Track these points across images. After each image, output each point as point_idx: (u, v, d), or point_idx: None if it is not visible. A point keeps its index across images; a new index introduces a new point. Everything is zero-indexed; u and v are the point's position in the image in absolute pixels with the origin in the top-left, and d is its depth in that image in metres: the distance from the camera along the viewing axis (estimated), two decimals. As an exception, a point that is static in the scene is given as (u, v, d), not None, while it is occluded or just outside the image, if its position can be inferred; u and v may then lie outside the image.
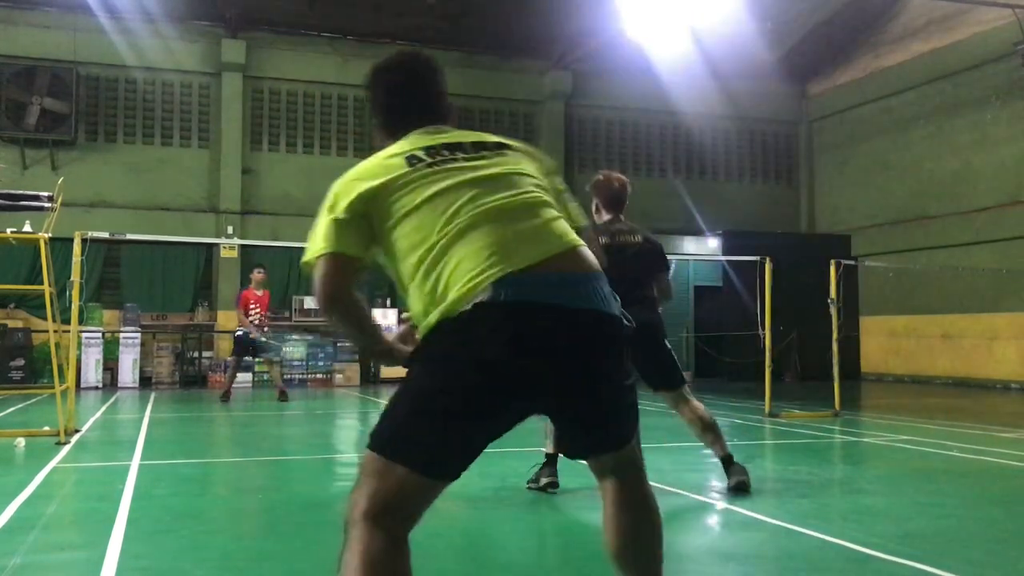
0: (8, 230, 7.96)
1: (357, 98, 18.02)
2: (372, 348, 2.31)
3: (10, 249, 14.08)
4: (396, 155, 2.24)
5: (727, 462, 5.32)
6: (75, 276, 7.90)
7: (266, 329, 12.45)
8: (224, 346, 16.75)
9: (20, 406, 11.13)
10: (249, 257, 17.02)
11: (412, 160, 2.21)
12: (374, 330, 2.29)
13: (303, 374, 16.46)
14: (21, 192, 8.51)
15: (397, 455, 2.06)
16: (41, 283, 7.94)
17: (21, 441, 7.19)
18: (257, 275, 12.46)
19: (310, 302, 17.00)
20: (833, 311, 10.00)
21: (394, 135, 2.37)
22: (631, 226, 5.43)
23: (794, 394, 13.26)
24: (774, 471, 6.57)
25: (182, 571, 3.56)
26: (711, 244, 18.99)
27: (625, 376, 2.22)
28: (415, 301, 2.12)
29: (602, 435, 2.25)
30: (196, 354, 16.10)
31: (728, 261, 17.09)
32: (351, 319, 2.23)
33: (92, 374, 15.15)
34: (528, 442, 7.95)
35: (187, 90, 17.13)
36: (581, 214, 2.43)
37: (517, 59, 18.76)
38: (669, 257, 5.58)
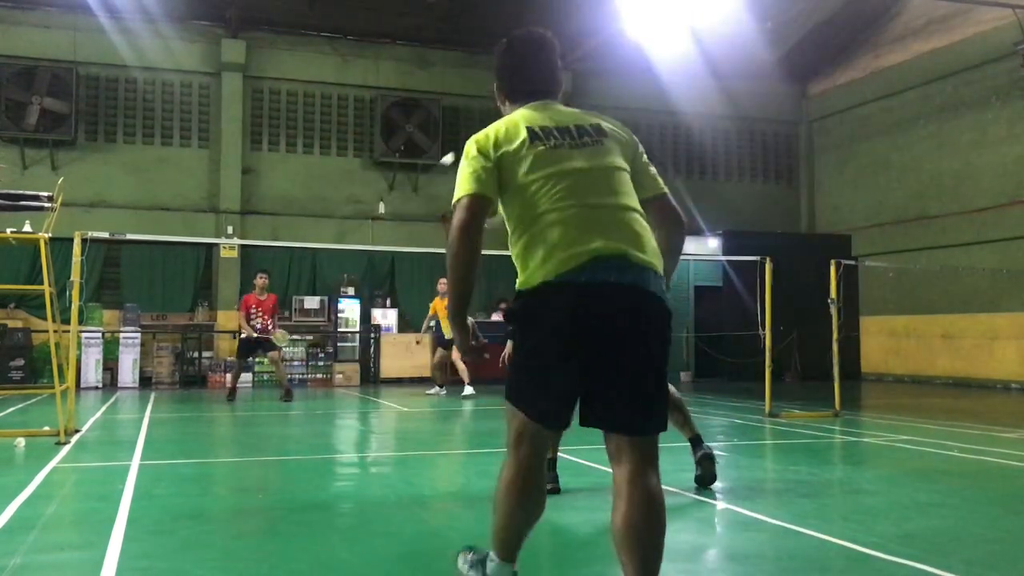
0: (8, 230, 7.95)
1: (357, 98, 18.04)
2: (457, 307, 2.74)
3: (10, 249, 14.08)
4: (519, 125, 2.79)
5: (696, 443, 5.51)
6: (75, 276, 7.90)
7: (271, 328, 12.33)
8: (224, 346, 16.76)
9: (20, 406, 11.13)
10: (249, 257, 17.03)
11: (533, 136, 2.76)
12: (469, 288, 2.70)
13: (303, 374, 16.45)
14: (21, 192, 8.50)
15: (517, 402, 2.71)
16: (41, 283, 7.94)
17: (21, 441, 7.19)
18: (259, 280, 12.50)
19: (310, 302, 17.02)
20: (833, 311, 10.00)
21: (513, 101, 2.99)
22: None
23: (794, 394, 13.26)
24: (774, 471, 6.57)
25: (182, 571, 3.56)
26: (711, 244, 18.99)
27: (658, 359, 2.62)
28: (518, 259, 2.71)
29: (626, 414, 2.57)
30: (196, 354, 16.10)
31: (728, 261, 17.10)
32: (468, 256, 2.67)
33: (92, 374, 15.15)
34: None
35: (187, 90, 17.14)
36: (659, 181, 2.94)
37: (517, 59, 18.74)
38: None
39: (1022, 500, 5.43)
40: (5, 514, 4.55)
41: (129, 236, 12.39)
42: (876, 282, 17.96)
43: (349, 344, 16.99)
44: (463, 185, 2.70)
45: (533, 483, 2.72)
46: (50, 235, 7.92)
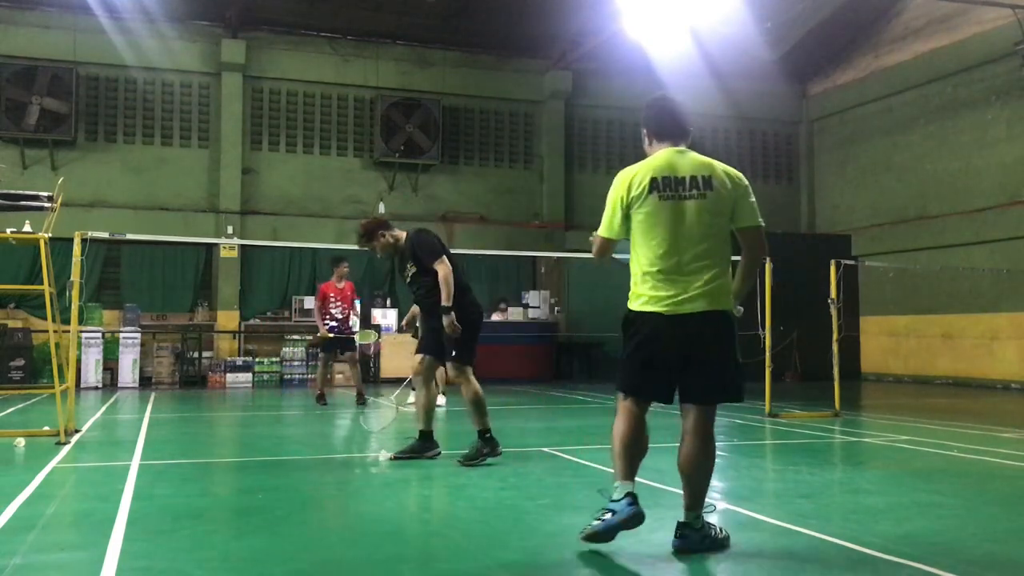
0: (8, 230, 7.94)
1: (357, 98, 18.04)
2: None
3: (10, 249, 14.09)
4: (648, 175, 3.89)
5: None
6: (75, 276, 7.90)
7: (350, 323, 11.60)
8: (224, 346, 16.76)
9: (20, 406, 11.13)
10: (249, 257, 17.04)
11: (653, 185, 3.85)
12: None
13: (303, 374, 16.45)
14: (21, 192, 8.49)
15: (620, 387, 3.94)
16: (41, 283, 7.94)
17: (21, 441, 7.19)
18: (342, 268, 11.69)
19: (310, 302, 17.01)
20: (833, 311, 9.99)
21: (656, 143, 4.10)
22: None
23: (794, 394, 13.26)
24: (774, 471, 6.57)
25: (182, 571, 3.55)
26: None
27: (718, 355, 3.89)
28: (634, 285, 3.91)
29: (698, 390, 3.88)
30: (196, 354, 16.10)
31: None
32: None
33: (92, 374, 15.15)
34: (526, 443, 7.94)
35: (187, 90, 17.14)
36: (756, 215, 3.96)
37: (517, 59, 18.77)
38: None
39: (1022, 500, 5.43)
40: (5, 514, 4.55)
41: (129, 236, 12.41)
42: (876, 282, 17.95)
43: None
44: (603, 226, 3.97)
45: (637, 428, 3.86)
46: (50, 235, 7.92)
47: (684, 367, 3.81)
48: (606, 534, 3.75)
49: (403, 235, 6.84)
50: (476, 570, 3.64)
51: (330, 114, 17.94)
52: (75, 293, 7.95)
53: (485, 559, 3.80)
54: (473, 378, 6.43)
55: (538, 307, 17.95)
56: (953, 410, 11.41)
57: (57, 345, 8.79)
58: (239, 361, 16.13)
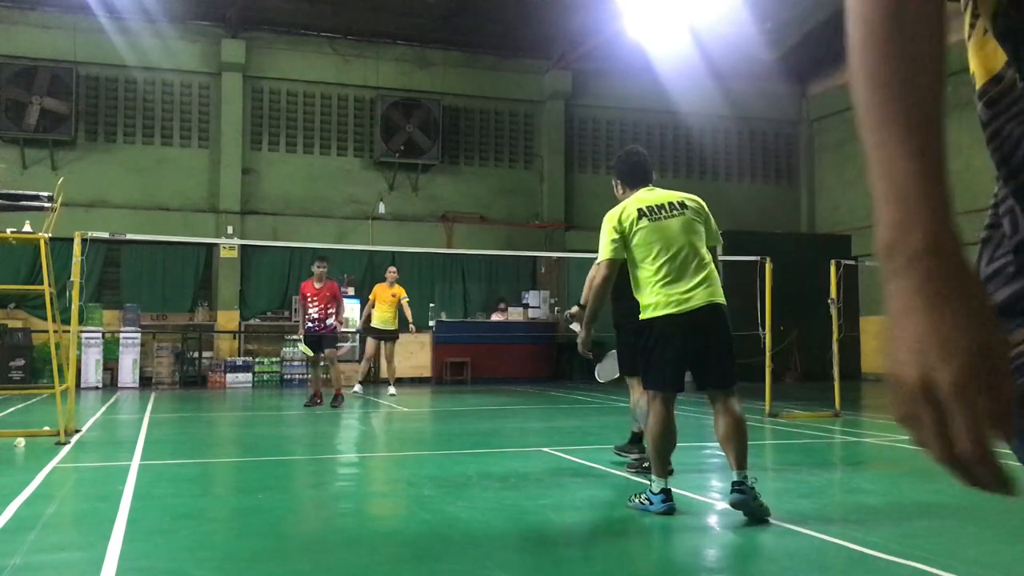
0: (8, 230, 7.95)
1: (357, 98, 18.04)
2: (589, 319, 4.82)
3: (10, 249, 14.09)
4: (634, 208, 4.66)
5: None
6: (75, 276, 7.90)
7: (329, 322, 11.39)
8: (224, 346, 16.76)
9: (20, 406, 11.13)
10: (249, 257, 17.03)
11: (641, 213, 4.63)
12: (597, 310, 4.78)
13: (303, 374, 16.45)
14: (21, 192, 8.50)
15: (649, 384, 4.60)
16: (41, 283, 7.94)
17: (21, 441, 7.18)
18: (318, 268, 11.52)
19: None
20: (833, 311, 9.99)
21: (628, 190, 4.89)
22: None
23: (794, 394, 13.26)
24: (774, 471, 6.57)
25: (182, 571, 3.56)
26: (711, 244, 18.97)
27: (725, 344, 4.57)
28: (640, 295, 4.59)
29: (714, 376, 4.58)
30: (196, 354, 16.09)
31: (728, 261, 17.07)
32: (602, 294, 4.69)
33: (92, 374, 15.15)
34: (526, 443, 7.95)
35: (187, 90, 17.14)
36: (717, 234, 4.81)
37: (517, 59, 18.77)
38: None
39: (1022, 500, 5.42)
40: (5, 514, 4.55)
41: (129, 236, 12.38)
42: (876, 282, 17.93)
43: (349, 344, 16.97)
44: (606, 251, 4.63)
45: (670, 424, 4.54)
46: (50, 235, 7.92)
47: (697, 357, 4.50)
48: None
49: None
50: (476, 570, 3.64)
51: (330, 114, 17.93)
52: (75, 293, 7.95)
53: (485, 559, 3.80)
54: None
55: (538, 307, 17.95)
56: (953, 410, 11.38)
57: (57, 345, 8.79)
58: (239, 361, 16.13)
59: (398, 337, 13.41)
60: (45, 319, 9.86)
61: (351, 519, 4.85)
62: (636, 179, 4.90)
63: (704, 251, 4.61)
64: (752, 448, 7.73)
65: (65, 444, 7.32)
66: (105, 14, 15.92)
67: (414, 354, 17.03)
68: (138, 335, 15.60)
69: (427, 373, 17.10)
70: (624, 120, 19.73)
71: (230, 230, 16.59)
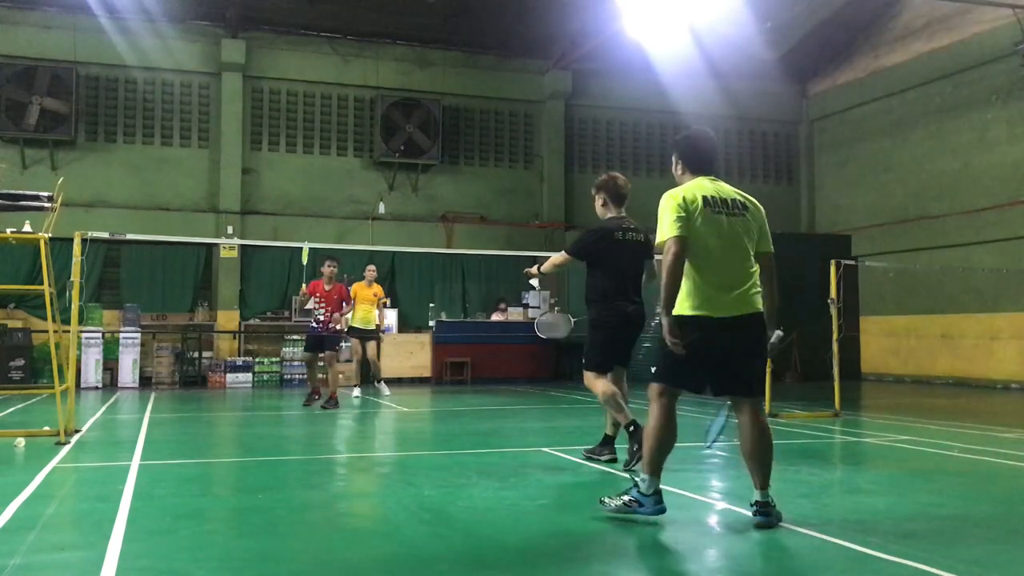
0: (8, 230, 7.95)
1: (357, 98, 18.04)
2: (666, 306, 4.24)
3: (10, 249, 14.09)
4: (699, 194, 4.37)
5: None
6: (75, 276, 7.90)
7: (332, 325, 11.36)
8: (224, 346, 16.76)
9: (20, 406, 11.13)
10: (249, 257, 17.03)
11: (705, 202, 4.35)
12: (674, 295, 4.26)
13: (303, 374, 16.43)
14: (21, 192, 8.49)
15: (660, 379, 4.42)
16: (41, 283, 7.94)
17: (21, 441, 7.19)
18: (328, 269, 11.37)
19: (309, 303, 16.99)
20: (833, 311, 9.99)
21: (689, 174, 4.56)
22: (634, 223, 6.33)
23: (794, 394, 13.25)
24: (774, 471, 6.55)
25: (182, 571, 3.56)
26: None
27: (757, 353, 4.41)
28: (684, 288, 4.32)
29: (739, 384, 4.42)
30: (196, 354, 16.09)
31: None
32: (677, 273, 4.25)
33: (92, 374, 15.15)
34: (526, 443, 7.94)
35: (187, 90, 17.14)
36: (770, 240, 4.51)
37: (517, 59, 18.77)
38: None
39: (1022, 500, 5.43)
40: (5, 514, 4.55)
41: (129, 236, 12.40)
42: (876, 282, 17.95)
43: (349, 344, 16.95)
44: (672, 228, 4.26)
45: (671, 423, 4.38)
46: (50, 235, 7.92)
47: (724, 364, 4.32)
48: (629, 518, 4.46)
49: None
50: (476, 570, 3.64)
51: (330, 114, 17.93)
52: (75, 293, 7.95)
53: (485, 559, 3.80)
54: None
55: (538, 307, 17.95)
56: (953, 410, 11.41)
57: (57, 345, 8.79)
58: (239, 361, 16.13)
59: (379, 336, 13.39)
60: (45, 319, 9.86)
61: (351, 519, 4.85)
62: (701, 165, 4.56)
63: (752, 259, 4.40)
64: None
65: (65, 444, 7.32)
66: (105, 14, 15.92)
67: (414, 354, 17.04)
68: (138, 335, 15.60)
69: (427, 373, 17.10)
70: (624, 120, 19.73)
71: (230, 230, 16.59)
